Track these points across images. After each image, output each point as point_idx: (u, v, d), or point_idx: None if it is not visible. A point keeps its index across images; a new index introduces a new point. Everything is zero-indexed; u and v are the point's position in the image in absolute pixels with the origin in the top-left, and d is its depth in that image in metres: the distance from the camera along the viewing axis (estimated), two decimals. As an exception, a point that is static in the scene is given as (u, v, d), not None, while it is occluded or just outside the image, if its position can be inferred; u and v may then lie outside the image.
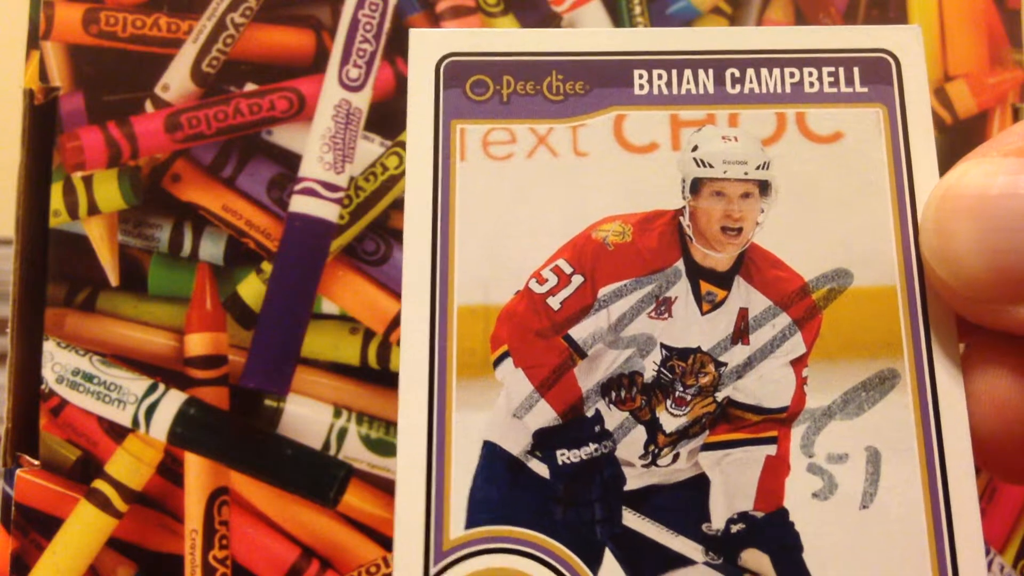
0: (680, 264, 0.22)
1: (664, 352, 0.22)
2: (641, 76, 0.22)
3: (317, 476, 0.27)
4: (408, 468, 0.20)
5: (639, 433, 0.21)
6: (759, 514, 0.21)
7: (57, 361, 0.27)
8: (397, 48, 0.29)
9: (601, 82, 0.23)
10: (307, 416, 0.28)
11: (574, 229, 0.22)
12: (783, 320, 0.22)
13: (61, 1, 0.29)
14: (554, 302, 0.22)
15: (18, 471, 0.27)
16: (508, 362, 0.21)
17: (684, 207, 0.22)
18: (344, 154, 0.28)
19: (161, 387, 0.28)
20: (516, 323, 0.21)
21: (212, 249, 0.28)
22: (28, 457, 0.27)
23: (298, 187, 0.28)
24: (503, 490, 0.21)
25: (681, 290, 0.22)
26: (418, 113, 0.22)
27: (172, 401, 0.27)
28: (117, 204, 0.28)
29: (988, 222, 0.20)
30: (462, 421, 0.21)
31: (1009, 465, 0.21)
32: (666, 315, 0.22)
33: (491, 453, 0.21)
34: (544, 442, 0.21)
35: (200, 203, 0.28)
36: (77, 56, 0.28)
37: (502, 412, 0.21)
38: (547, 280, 0.22)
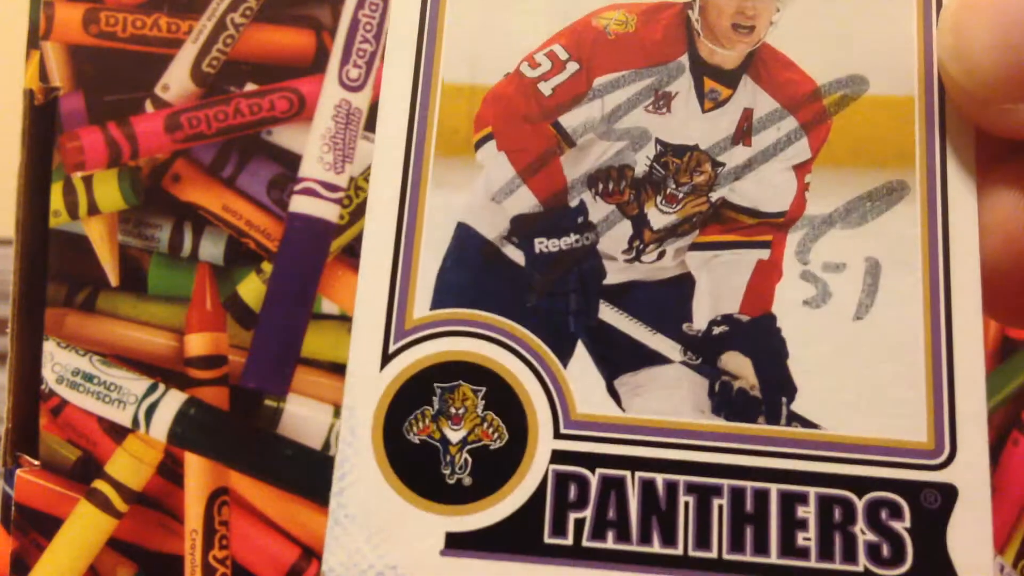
0: (684, 59, 0.21)
1: (659, 147, 0.20)
2: None
3: (317, 476, 0.27)
4: (375, 242, 0.19)
5: (624, 227, 0.20)
6: (744, 317, 0.20)
7: (57, 361, 0.27)
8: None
9: None
10: (307, 416, 0.28)
11: (573, 15, 0.21)
12: (790, 123, 0.20)
13: (61, 1, 0.29)
14: (545, 87, 0.20)
15: (18, 471, 0.27)
16: (491, 144, 0.20)
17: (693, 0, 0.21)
18: (344, 154, 0.28)
19: (161, 387, 0.28)
20: (503, 105, 0.20)
21: (212, 249, 0.28)
22: (28, 457, 0.27)
23: (298, 187, 0.28)
24: (473, 274, 0.20)
25: (683, 85, 0.21)
26: None
27: (172, 401, 0.27)
28: (117, 204, 0.28)
29: (1009, 15, 0.18)
30: (437, 200, 0.20)
31: (1013, 305, 0.20)
32: (664, 110, 0.20)
33: (464, 235, 0.20)
34: (522, 228, 0.20)
35: (200, 203, 0.28)
36: (77, 56, 0.28)
37: (480, 195, 0.20)
38: (540, 64, 0.20)
